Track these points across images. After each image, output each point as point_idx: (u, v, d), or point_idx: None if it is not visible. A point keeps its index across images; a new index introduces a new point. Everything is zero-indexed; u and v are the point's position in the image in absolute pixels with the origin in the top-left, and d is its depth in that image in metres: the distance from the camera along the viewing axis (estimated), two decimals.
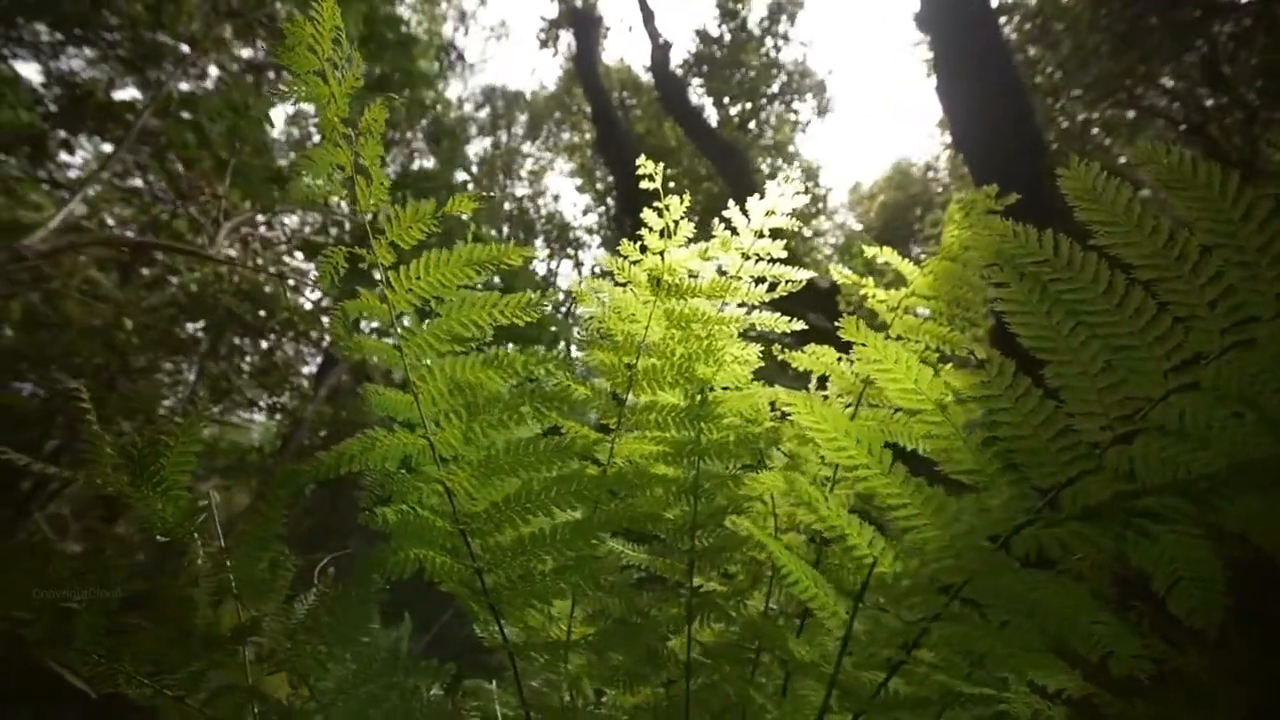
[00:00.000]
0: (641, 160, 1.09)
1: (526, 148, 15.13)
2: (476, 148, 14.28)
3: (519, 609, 0.84)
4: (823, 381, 1.13)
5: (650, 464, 1.04)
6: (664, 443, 1.04)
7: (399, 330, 0.83)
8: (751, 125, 13.98)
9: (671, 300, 1.04)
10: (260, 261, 5.50)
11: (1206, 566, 0.61)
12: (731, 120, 12.76)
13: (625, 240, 1.09)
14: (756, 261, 1.08)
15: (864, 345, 0.66)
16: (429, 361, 0.87)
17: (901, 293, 1.08)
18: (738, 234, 1.08)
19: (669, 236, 1.06)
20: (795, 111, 14.47)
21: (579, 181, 14.16)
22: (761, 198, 1.11)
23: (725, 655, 0.94)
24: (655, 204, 1.05)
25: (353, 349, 0.85)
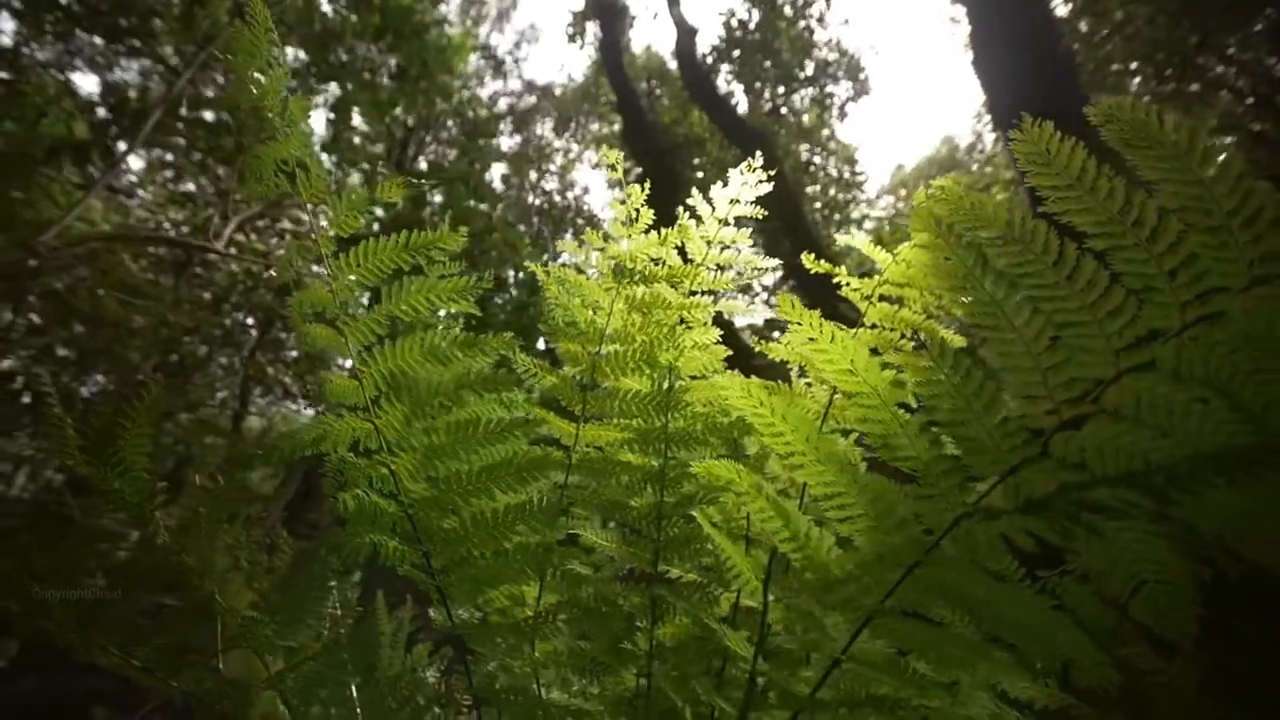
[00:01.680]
0: (605, 151, 1.08)
1: (557, 142, 15.18)
2: (509, 143, 14.40)
3: (466, 593, 0.83)
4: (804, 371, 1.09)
5: (617, 451, 1.02)
6: (629, 430, 1.02)
7: (341, 317, 0.82)
8: (784, 110, 13.67)
9: (632, 287, 1.01)
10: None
11: (1172, 568, 0.55)
12: (762, 106, 12.50)
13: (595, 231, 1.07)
14: (722, 249, 1.04)
15: (799, 325, 0.61)
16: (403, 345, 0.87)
17: (874, 281, 1.03)
18: (702, 221, 1.05)
19: (631, 224, 1.03)
20: (830, 95, 14.07)
21: (608, 174, 14.15)
22: (753, 181, 1.07)
23: (683, 650, 0.91)
24: (619, 194, 1.03)
25: (309, 338, 0.85)
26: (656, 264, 1.03)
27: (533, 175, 14.30)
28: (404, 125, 8.81)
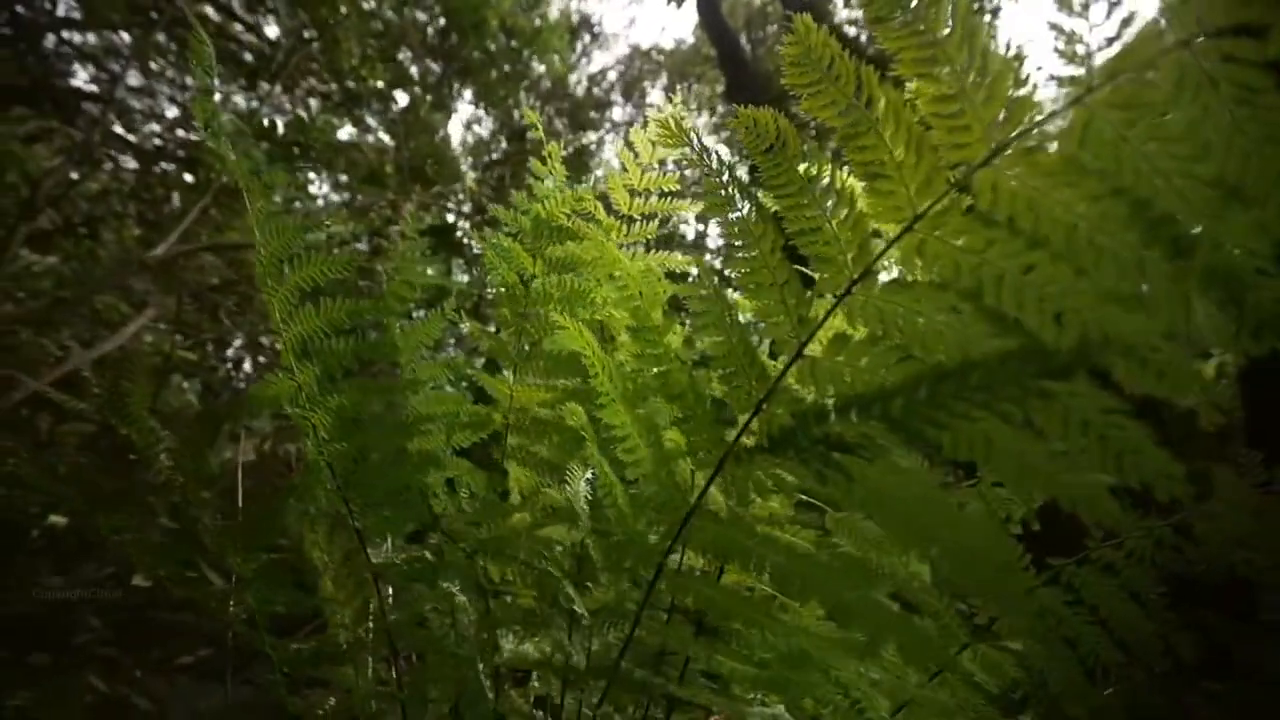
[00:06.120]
0: (526, 109, 1.06)
1: (669, 108, 14.94)
2: (622, 114, 14.46)
3: (380, 535, 0.91)
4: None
5: (549, 411, 1.03)
6: (561, 390, 1.02)
7: (269, 288, 0.92)
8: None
9: (552, 246, 1.00)
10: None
11: (978, 529, 0.44)
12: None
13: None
14: (647, 197, 0.99)
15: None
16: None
17: None
18: (625, 171, 1.00)
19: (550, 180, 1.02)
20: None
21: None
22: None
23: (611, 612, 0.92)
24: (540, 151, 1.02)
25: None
26: (585, 219, 1.01)
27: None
28: (511, 114, 9.26)
